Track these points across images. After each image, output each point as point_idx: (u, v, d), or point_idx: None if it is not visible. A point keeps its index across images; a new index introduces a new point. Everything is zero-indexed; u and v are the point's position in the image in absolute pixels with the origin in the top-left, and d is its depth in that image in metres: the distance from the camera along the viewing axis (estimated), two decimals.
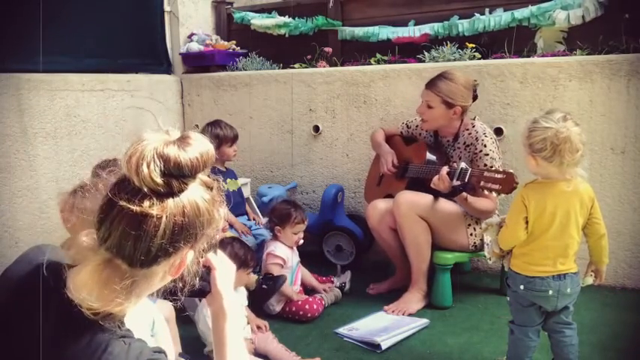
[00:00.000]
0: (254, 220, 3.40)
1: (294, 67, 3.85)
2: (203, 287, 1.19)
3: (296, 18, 3.92)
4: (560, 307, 1.95)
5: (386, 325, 2.60)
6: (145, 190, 0.91)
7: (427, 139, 3.04)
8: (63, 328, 0.95)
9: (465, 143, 2.84)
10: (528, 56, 3.17)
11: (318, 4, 3.91)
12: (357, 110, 3.59)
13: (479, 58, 3.28)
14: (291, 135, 3.83)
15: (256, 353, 2.34)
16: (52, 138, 3.16)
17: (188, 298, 1.22)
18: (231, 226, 3.12)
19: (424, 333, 2.57)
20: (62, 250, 1.08)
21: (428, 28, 3.48)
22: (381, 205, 2.93)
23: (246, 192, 3.59)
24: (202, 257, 1.07)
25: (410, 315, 2.72)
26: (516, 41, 3.23)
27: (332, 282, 3.05)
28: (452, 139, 2.90)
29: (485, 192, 2.34)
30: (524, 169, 2.08)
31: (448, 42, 3.37)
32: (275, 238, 2.85)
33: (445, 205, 2.75)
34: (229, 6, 4.34)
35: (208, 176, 1.01)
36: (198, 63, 4.11)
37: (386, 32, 3.61)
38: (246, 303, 2.46)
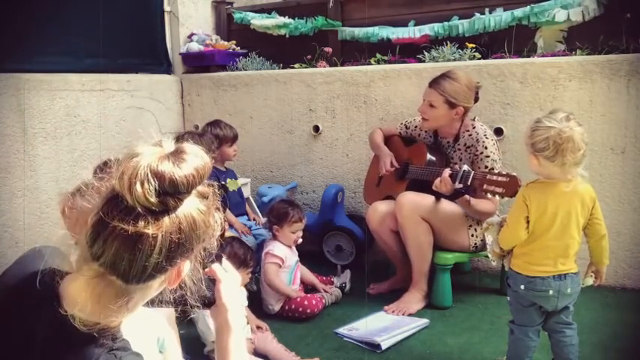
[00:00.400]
0: (254, 220, 3.40)
1: (294, 67, 3.85)
2: (208, 299, 1.16)
3: (296, 18, 3.92)
4: (561, 307, 1.95)
5: (386, 325, 2.60)
6: (139, 209, 0.87)
7: (427, 139, 3.03)
8: (54, 339, 0.93)
9: (465, 145, 2.83)
10: (528, 56, 3.17)
11: (318, 4, 3.90)
12: (357, 110, 3.59)
13: (479, 58, 3.28)
14: (291, 135, 3.83)
15: (256, 353, 2.34)
16: (52, 138, 3.15)
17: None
18: (231, 226, 3.12)
19: (424, 333, 2.57)
20: (61, 253, 1.06)
21: (428, 29, 3.48)
22: (382, 207, 2.92)
23: (246, 192, 3.59)
24: (205, 266, 1.04)
25: (410, 315, 2.72)
26: (516, 41, 3.23)
27: (332, 282, 3.05)
28: (452, 140, 2.89)
29: (489, 195, 2.32)
30: (524, 168, 2.08)
31: (448, 42, 3.37)
32: (274, 237, 2.85)
33: (447, 205, 2.75)
34: (229, 6, 4.34)
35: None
36: (198, 63, 4.11)
37: (386, 32, 3.61)
38: (246, 303, 2.46)
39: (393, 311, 2.74)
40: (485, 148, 2.73)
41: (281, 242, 2.82)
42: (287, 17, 3.95)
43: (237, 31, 4.27)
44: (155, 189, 0.87)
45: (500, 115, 3.16)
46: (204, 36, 4.12)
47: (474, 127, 2.83)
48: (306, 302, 2.71)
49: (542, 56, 3.12)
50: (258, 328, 2.46)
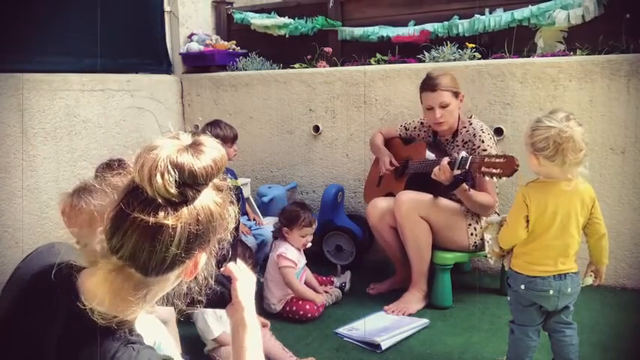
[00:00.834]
0: (254, 220, 3.40)
1: (294, 67, 3.85)
2: (224, 297, 1.17)
3: (296, 18, 3.92)
4: (561, 307, 1.95)
5: (386, 325, 2.60)
6: (159, 200, 0.89)
7: (426, 139, 3.04)
8: (72, 333, 0.94)
9: (463, 140, 2.85)
10: (528, 56, 3.17)
11: (318, 4, 3.90)
12: (357, 110, 3.59)
13: (479, 58, 3.28)
14: (291, 135, 3.83)
15: None
16: (52, 138, 3.15)
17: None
18: None
19: (424, 333, 2.57)
20: (75, 249, 1.06)
21: (428, 29, 3.48)
22: (382, 203, 2.94)
23: (246, 192, 3.59)
24: (220, 266, 1.04)
25: (410, 315, 2.72)
26: (516, 41, 3.22)
27: (332, 282, 3.05)
28: (450, 137, 2.91)
29: (487, 178, 2.36)
30: (525, 168, 2.08)
31: (448, 42, 3.37)
32: (283, 239, 2.83)
33: (446, 204, 2.76)
34: (229, 6, 4.34)
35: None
36: (198, 63, 4.11)
37: (386, 32, 3.61)
38: None
39: (393, 311, 2.75)
40: (482, 141, 2.75)
41: (291, 245, 2.81)
42: (287, 17, 3.95)
43: (237, 31, 4.27)
44: (175, 180, 0.89)
45: (500, 115, 3.16)
46: (204, 36, 4.12)
47: (470, 124, 2.86)
48: (307, 307, 2.72)
49: (542, 56, 3.12)
50: (264, 325, 2.46)
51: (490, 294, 2.97)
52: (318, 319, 2.71)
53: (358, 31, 3.73)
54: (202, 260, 1.00)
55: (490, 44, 3.34)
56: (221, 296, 1.16)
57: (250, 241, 3.09)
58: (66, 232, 1.65)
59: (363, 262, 3.37)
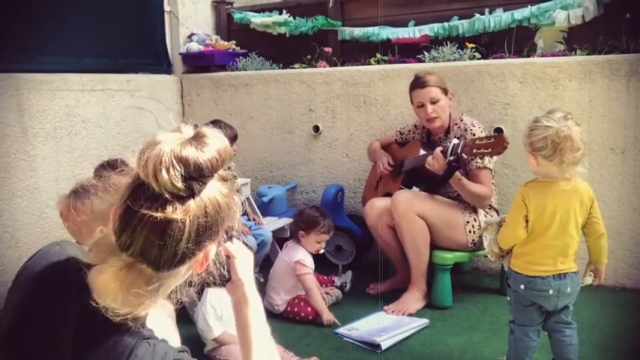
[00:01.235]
0: (254, 220, 3.40)
1: (294, 67, 3.85)
2: (223, 276, 1.16)
3: (296, 18, 3.92)
4: (561, 307, 1.95)
5: (386, 325, 2.60)
6: (166, 195, 0.88)
7: (421, 140, 3.09)
8: (86, 331, 0.94)
9: (455, 136, 2.86)
10: (528, 56, 3.17)
11: (318, 4, 3.90)
12: (357, 110, 3.59)
13: (479, 58, 3.28)
14: (291, 135, 3.83)
15: None
16: (52, 138, 3.15)
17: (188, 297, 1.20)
18: None
19: (424, 333, 2.57)
20: (83, 249, 1.06)
21: (428, 29, 3.48)
22: (379, 203, 2.95)
23: (246, 192, 3.59)
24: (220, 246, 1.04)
25: (410, 315, 2.72)
26: (516, 41, 3.23)
27: (333, 282, 3.05)
28: (443, 134, 2.95)
29: (478, 159, 2.47)
30: (524, 168, 2.09)
31: (448, 42, 3.37)
32: (297, 242, 2.82)
33: (443, 201, 2.80)
34: (229, 6, 4.34)
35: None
36: (198, 63, 4.11)
37: (386, 32, 3.61)
38: None
39: (392, 311, 2.75)
40: (474, 134, 2.77)
41: (304, 248, 2.80)
42: (287, 15, 3.95)
43: (237, 31, 4.27)
44: (181, 174, 0.88)
45: (500, 115, 3.16)
46: (204, 36, 4.12)
47: (462, 120, 2.91)
48: (309, 309, 2.72)
49: (542, 56, 3.12)
50: None
51: (490, 294, 2.98)
52: (319, 320, 2.71)
53: (358, 31, 3.73)
54: (212, 251, 1.00)
55: (490, 44, 3.34)
56: (220, 275, 1.15)
57: (250, 241, 3.08)
58: (66, 233, 1.65)
59: (363, 262, 3.37)
